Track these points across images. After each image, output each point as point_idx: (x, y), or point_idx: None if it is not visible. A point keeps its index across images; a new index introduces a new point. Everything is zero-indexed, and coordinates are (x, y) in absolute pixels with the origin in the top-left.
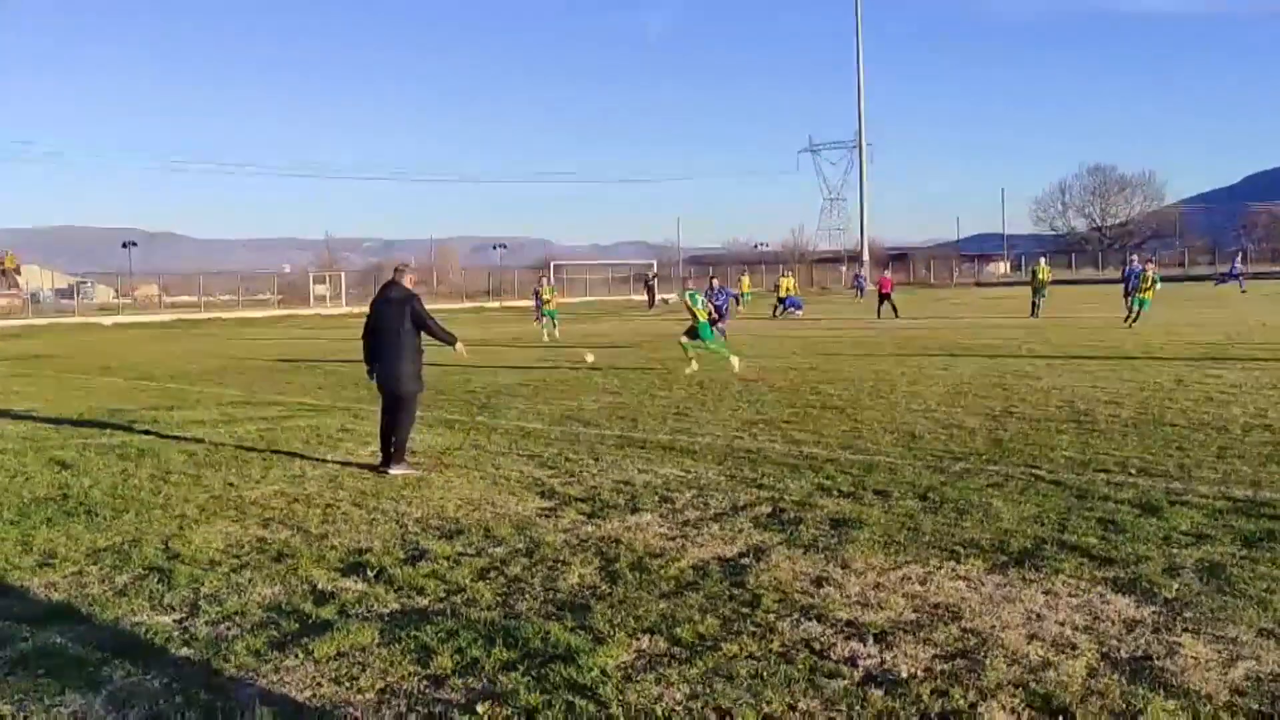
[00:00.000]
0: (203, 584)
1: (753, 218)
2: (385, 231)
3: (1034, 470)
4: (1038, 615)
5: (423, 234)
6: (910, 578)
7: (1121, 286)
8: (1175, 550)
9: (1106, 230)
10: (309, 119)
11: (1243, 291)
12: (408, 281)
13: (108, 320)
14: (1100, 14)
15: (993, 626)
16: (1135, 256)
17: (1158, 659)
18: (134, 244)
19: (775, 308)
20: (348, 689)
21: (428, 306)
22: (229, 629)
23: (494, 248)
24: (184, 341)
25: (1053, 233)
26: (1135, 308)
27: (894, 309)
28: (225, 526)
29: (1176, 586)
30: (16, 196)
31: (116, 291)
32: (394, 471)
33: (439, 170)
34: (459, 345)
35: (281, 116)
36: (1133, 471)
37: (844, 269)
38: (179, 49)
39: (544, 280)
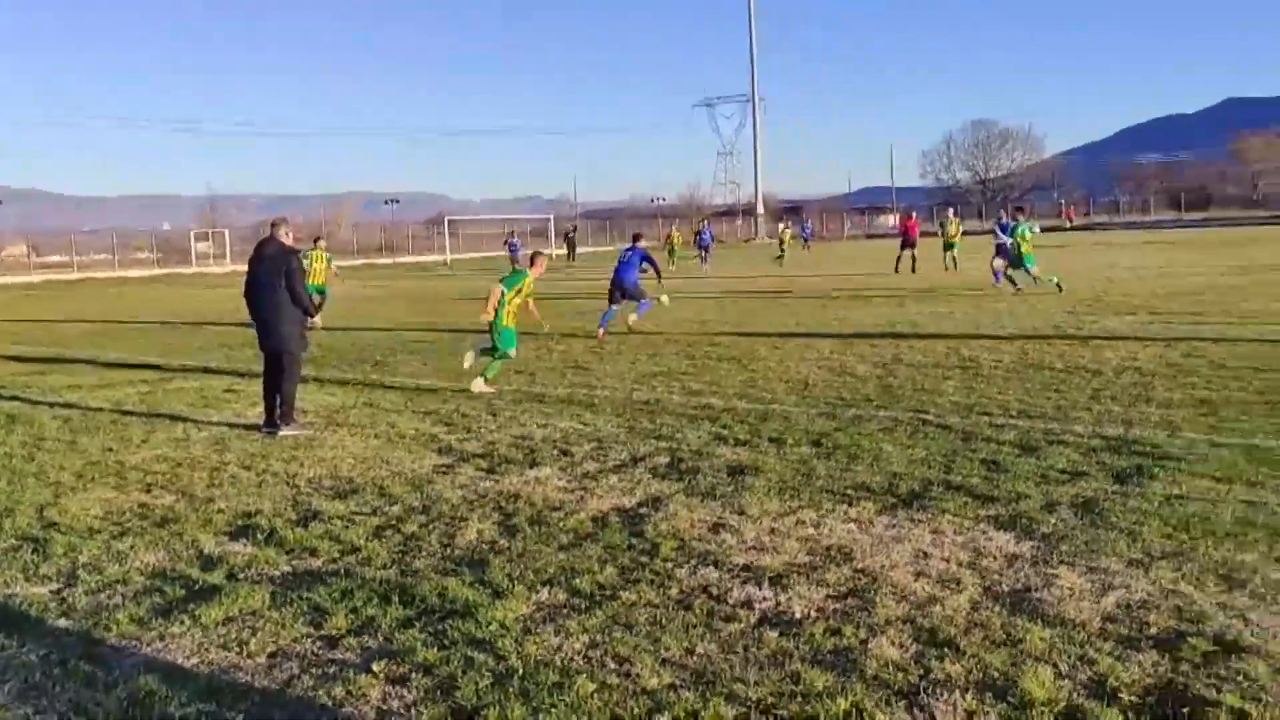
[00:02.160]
0: (80, 553)
1: (650, 173)
2: (274, 187)
3: (922, 415)
4: (925, 553)
5: (314, 190)
6: (804, 522)
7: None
8: (1052, 487)
9: (990, 183)
10: (195, 73)
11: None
12: (285, 237)
13: None
14: None
15: (883, 566)
16: (1002, 212)
17: (1036, 591)
18: None
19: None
20: (237, 654)
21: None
22: (110, 597)
23: (385, 203)
24: (56, 303)
25: (939, 185)
26: (1012, 269)
27: (914, 261)
28: (104, 493)
29: (1053, 522)
30: None
31: None
32: (283, 432)
33: (330, 124)
34: (316, 318)
35: (165, 70)
36: (1014, 414)
37: (739, 222)
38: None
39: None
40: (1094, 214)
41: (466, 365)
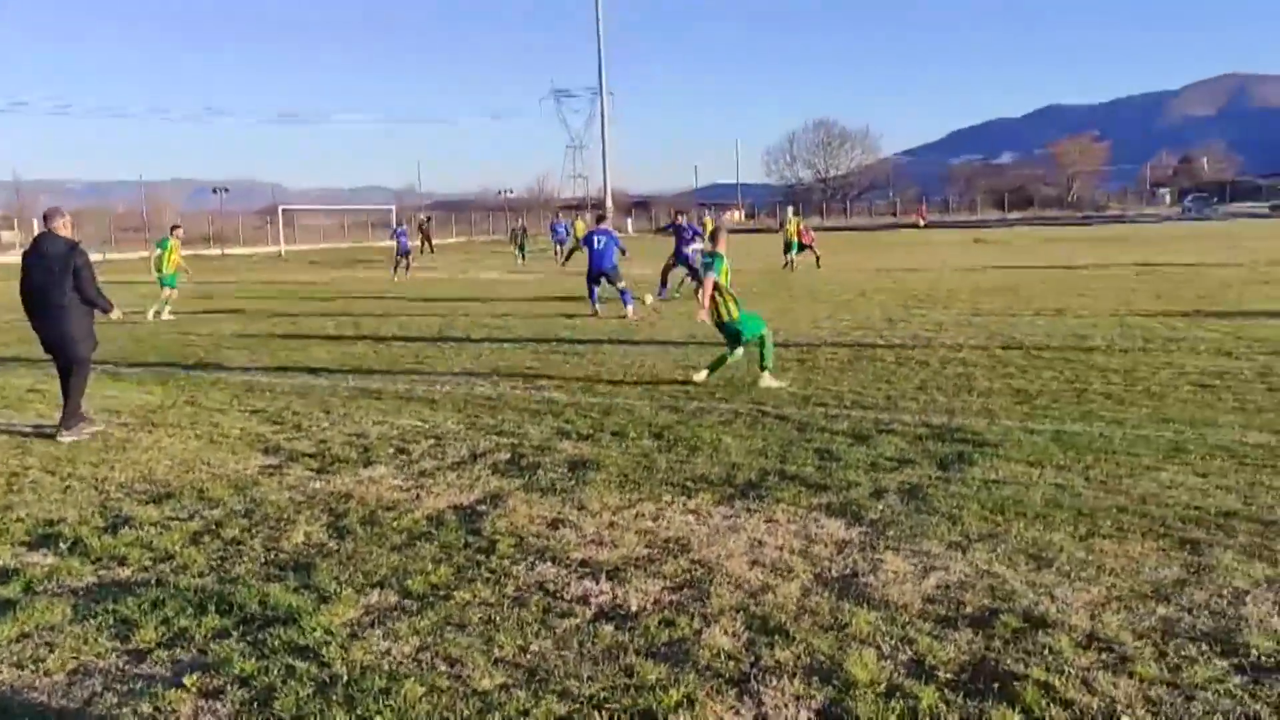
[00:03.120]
0: None
1: (498, 164)
2: (90, 173)
3: (761, 407)
4: (759, 542)
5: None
6: (643, 514)
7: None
8: (881, 475)
9: (830, 181)
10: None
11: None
12: (64, 229)
13: None
14: None
15: (718, 556)
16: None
17: (862, 575)
18: None
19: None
20: (32, 672)
21: (133, 256)
22: None
23: (213, 191)
24: None
25: (782, 182)
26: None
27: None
28: None
29: (881, 508)
30: None
31: None
32: (65, 439)
33: (154, 107)
34: (115, 312)
35: None
36: (848, 404)
37: (588, 216)
38: None
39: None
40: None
41: (700, 379)
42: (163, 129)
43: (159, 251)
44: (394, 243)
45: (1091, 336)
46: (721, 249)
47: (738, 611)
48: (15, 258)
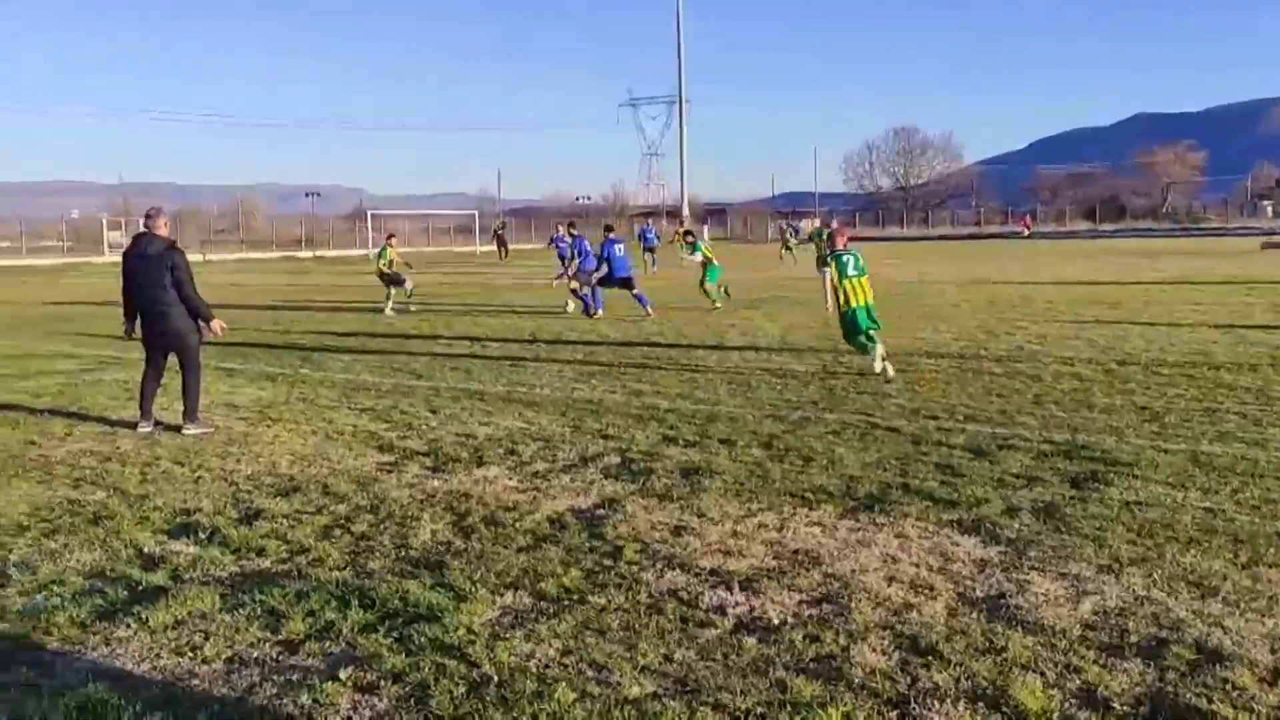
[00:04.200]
0: (9, 550)
1: (574, 171)
2: (185, 177)
3: (869, 418)
4: (893, 558)
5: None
6: (766, 525)
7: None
8: (1010, 492)
9: (911, 190)
10: (102, 57)
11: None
12: (161, 229)
13: None
14: None
15: (853, 570)
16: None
17: (1010, 597)
18: None
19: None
20: (191, 659)
21: (231, 257)
22: (47, 599)
23: (306, 195)
24: None
25: (861, 191)
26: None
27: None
28: (30, 489)
29: (1017, 527)
30: None
31: None
32: (189, 432)
33: (244, 114)
34: (216, 324)
35: (77, 56)
36: (960, 418)
37: (664, 223)
38: None
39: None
40: (1011, 223)
41: (883, 370)
42: (251, 135)
43: (380, 258)
44: (553, 249)
45: (1212, 353)
46: (841, 246)
47: (884, 629)
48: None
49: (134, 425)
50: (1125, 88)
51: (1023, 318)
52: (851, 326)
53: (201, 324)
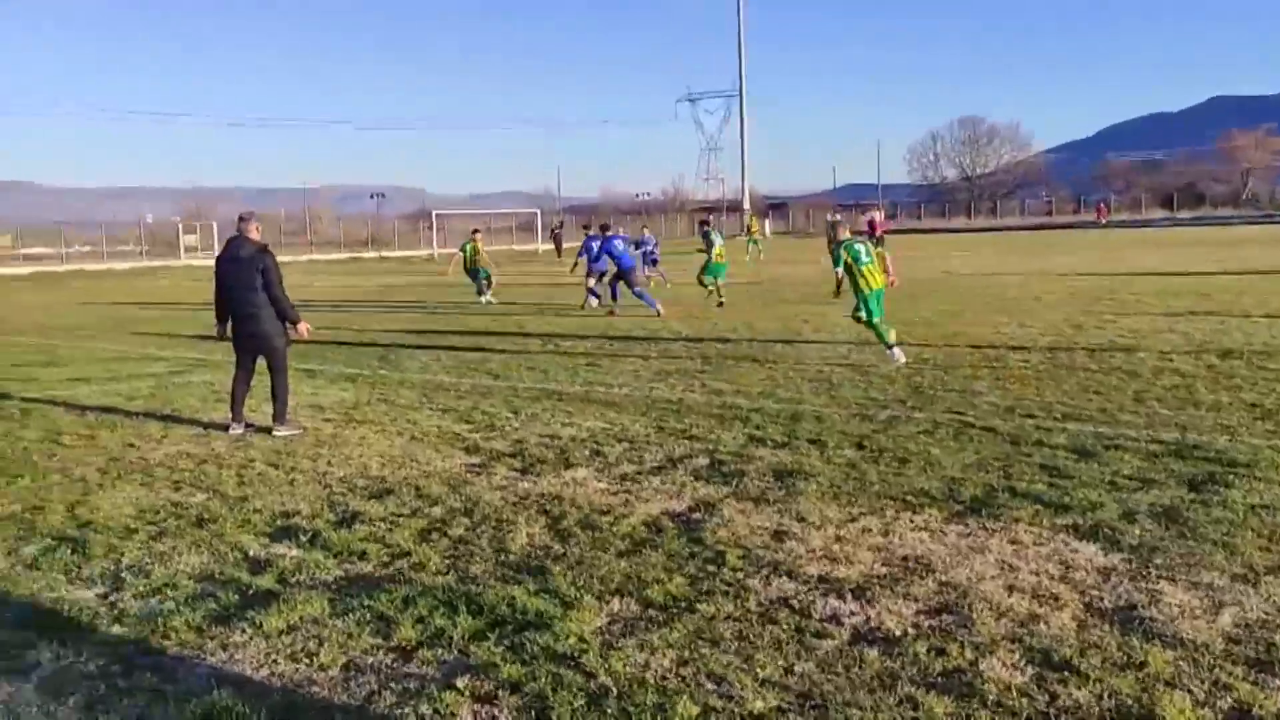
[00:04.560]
0: (121, 554)
1: (632, 167)
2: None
3: (961, 417)
4: (1010, 565)
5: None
6: (870, 529)
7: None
8: (1125, 495)
9: (977, 179)
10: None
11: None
12: (253, 232)
13: None
14: None
15: (969, 579)
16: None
17: (1142, 608)
18: None
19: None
20: (308, 666)
21: (301, 259)
22: (161, 602)
23: (371, 196)
24: (48, 295)
25: (925, 182)
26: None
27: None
28: (133, 491)
29: (1138, 532)
30: None
31: None
32: (280, 433)
33: (308, 117)
34: (302, 326)
35: (147, 62)
36: (1058, 416)
37: (724, 218)
38: None
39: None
40: (1083, 212)
41: (897, 358)
42: (314, 138)
43: (461, 254)
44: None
45: None
46: (844, 236)
47: (1011, 642)
48: (198, 260)
49: (225, 427)
50: (1198, 71)
51: (1110, 311)
52: (870, 310)
53: (289, 326)
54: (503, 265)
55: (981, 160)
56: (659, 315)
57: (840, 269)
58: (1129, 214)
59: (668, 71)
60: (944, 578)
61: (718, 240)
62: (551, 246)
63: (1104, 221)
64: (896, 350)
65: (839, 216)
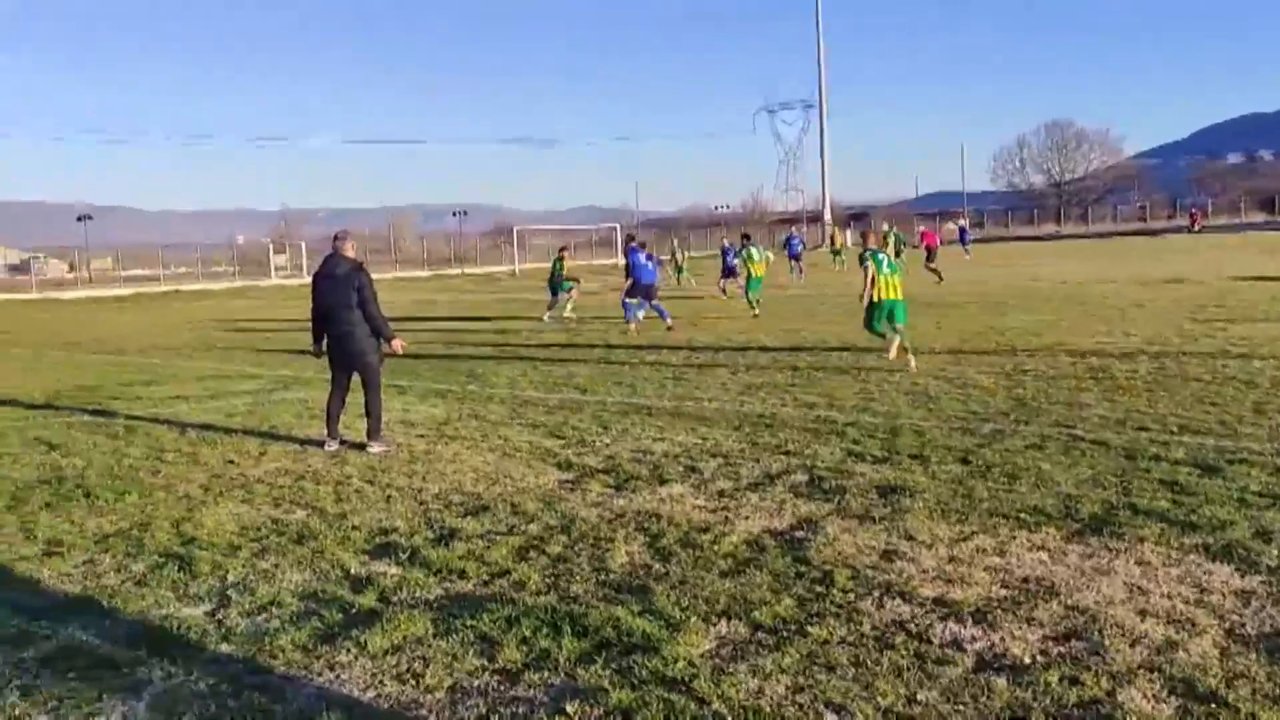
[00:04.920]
0: (227, 571)
1: (710, 180)
2: (338, 200)
3: (1070, 430)
4: (1140, 589)
5: (374, 203)
6: (984, 549)
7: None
8: (1256, 513)
9: (1065, 185)
10: (264, 91)
11: (966, 258)
12: (349, 250)
13: (65, 295)
14: None
15: (1096, 602)
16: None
17: None
18: (89, 218)
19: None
20: (415, 688)
21: (385, 276)
22: (267, 621)
23: (453, 214)
24: (146, 315)
25: (1011, 188)
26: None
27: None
28: (235, 507)
29: (1276, 553)
30: None
31: (71, 266)
32: (374, 449)
33: (390, 138)
34: (396, 342)
35: (239, 90)
36: (1174, 429)
37: (804, 228)
38: (124, 23)
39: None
40: (1178, 217)
41: (905, 363)
42: (395, 158)
43: (554, 268)
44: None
45: None
46: (872, 245)
47: (1151, 671)
48: (288, 279)
49: (321, 443)
50: None
51: (1218, 318)
52: (875, 317)
53: (383, 342)
54: (585, 278)
55: (1070, 165)
56: (669, 328)
57: (869, 274)
58: (1227, 218)
59: (747, 82)
60: (1069, 601)
61: (757, 254)
62: (624, 261)
63: (1197, 228)
64: (910, 359)
65: (878, 227)
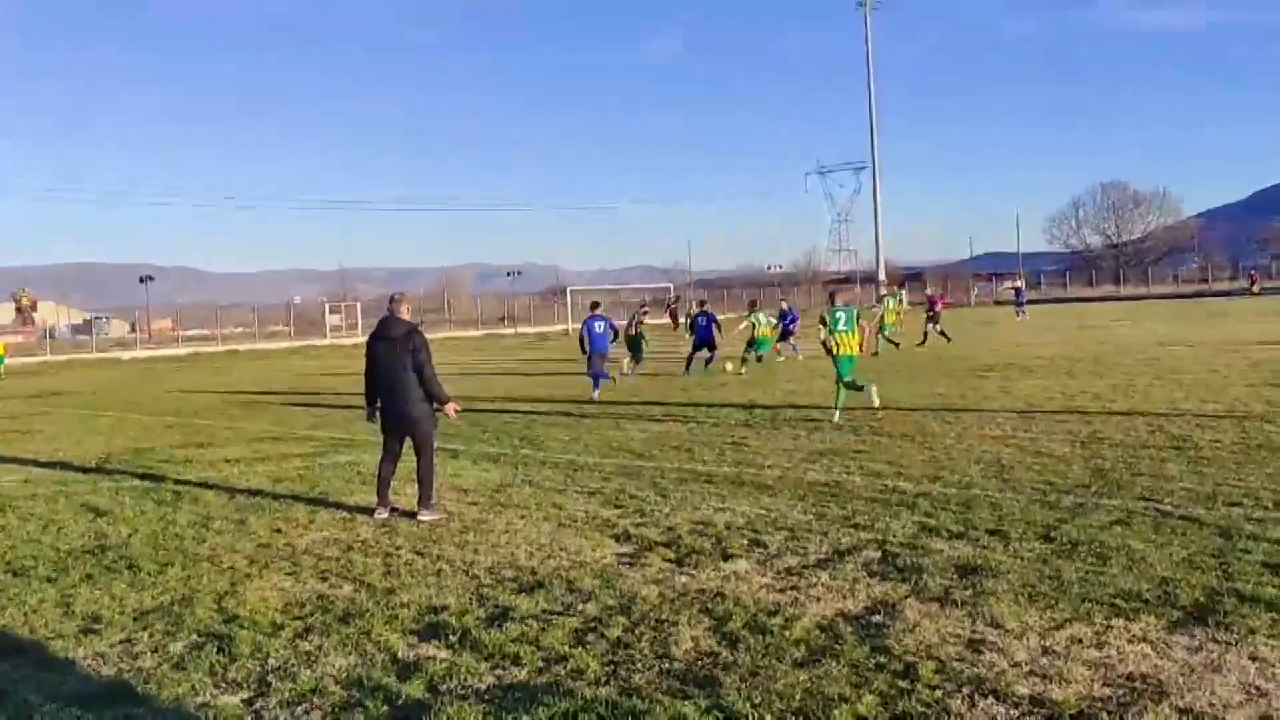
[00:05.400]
0: (268, 653)
1: (762, 240)
2: (394, 260)
3: (1156, 505)
4: (1257, 688)
5: (430, 263)
6: (1081, 640)
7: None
8: None
9: (1123, 246)
10: (317, 154)
11: (1019, 319)
12: (405, 312)
13: (125, 355)
14: (1100, 31)
15: (1212, 704)
16: (783, 303)
17: None
18: (151, 279)
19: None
20: None
21: (439, 335)
22: (307, 712)
23: (507, 274)
24: (203, 375)
25: (1067, 249)
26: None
27: (942, 333)
28: (280, 581)
29: None
30: (32, 234)
31: (132, 326)
32: (425, 519)
33: (444, 199)
34: (450, 406)
35: (287, 152)
36: (1269, 505)
37: (857, 289)
38: (182, 86)
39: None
40: (1240, 279)
41: (877, 403)
42: (452, 219)
43: (632, 325)
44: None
45: None
46: (840, 304)
47: None
48: (344, 339)
49: (370, 511)
50: None
51: None
52: (843, 370)
53: (437, 406)
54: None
55: (1127, 227)
56: (594, 400)
57: (824, 332)
58: None
59: (797, 145)
60: (1181, 703)
61: (762, 319)
62: (668, 320)
63: (1257, 289)
64: (837, 415)
65: (835, 287)
